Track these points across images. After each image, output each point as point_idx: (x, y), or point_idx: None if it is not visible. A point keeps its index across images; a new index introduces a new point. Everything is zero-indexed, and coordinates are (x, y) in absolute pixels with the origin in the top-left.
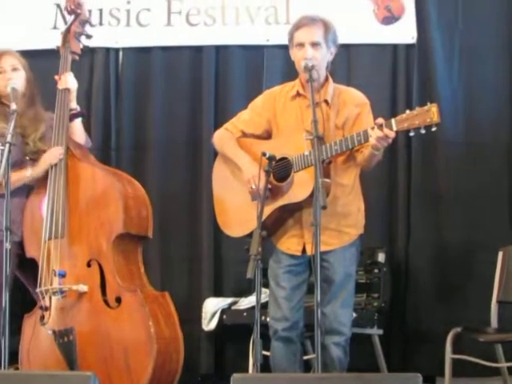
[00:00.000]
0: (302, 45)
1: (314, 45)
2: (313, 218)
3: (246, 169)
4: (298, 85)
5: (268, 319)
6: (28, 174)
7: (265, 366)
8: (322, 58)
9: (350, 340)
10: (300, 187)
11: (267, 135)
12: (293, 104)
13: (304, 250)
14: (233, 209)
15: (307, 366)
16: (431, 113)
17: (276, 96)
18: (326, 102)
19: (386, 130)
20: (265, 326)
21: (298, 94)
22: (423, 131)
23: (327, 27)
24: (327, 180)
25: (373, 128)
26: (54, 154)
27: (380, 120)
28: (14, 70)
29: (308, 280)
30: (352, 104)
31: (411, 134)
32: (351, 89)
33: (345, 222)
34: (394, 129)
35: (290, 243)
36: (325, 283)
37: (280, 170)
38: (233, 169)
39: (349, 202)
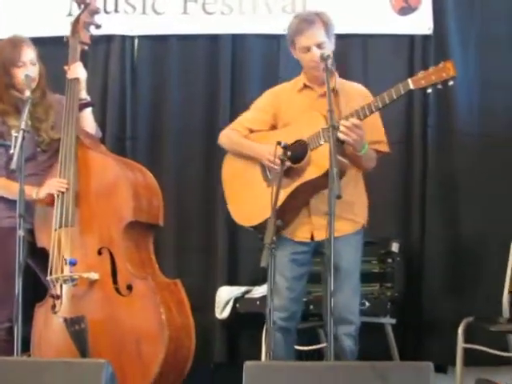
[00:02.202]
0: (307, 48)
1: (320, 45)
2: (327, 206)
3: (264, 151)
4: (304, 79)
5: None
6: (34, 196)
7: None
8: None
9: (359, 329)
10: (315, 166)
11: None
12: (299, 96)
13: (312, 237)
14: (250, 201)
15: (320, 356)
16: (447, 68)
17: (278, 93)
18: (333, 90)
19: (352, 120)
20: None
21: (305, 86)
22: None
23: (326, 23)
24: (344, 160)
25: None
26: (56, 185)
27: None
28: (33, 64)
29: (310, 270)
30: (358, 95)
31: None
32: (352, 82)
33: (351, 210)
34: (411, 87)
35: (298, 231)
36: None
37: (297, 153)
38: (244, 163)
39: (356, 193)
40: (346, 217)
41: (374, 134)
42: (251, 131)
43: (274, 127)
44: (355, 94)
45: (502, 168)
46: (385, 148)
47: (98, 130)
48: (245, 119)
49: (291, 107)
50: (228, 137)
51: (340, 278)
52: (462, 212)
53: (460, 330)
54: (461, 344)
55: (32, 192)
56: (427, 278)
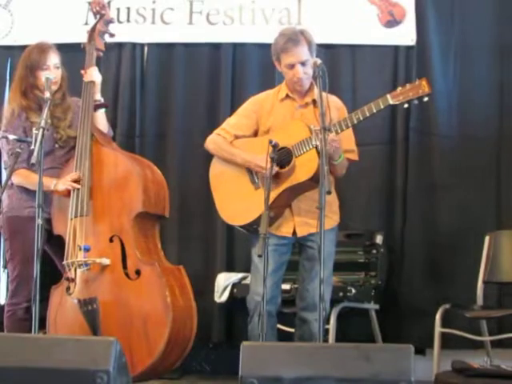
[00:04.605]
0: (292, 65)
1: (303, 63)
2: (308, 204)
3: (254, 159)
4: (286, 89)
5: (249, 295)
6: (52, 187)
7: None
8: (310, 68)
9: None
10: (301, 171)
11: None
12: (282, 105)
13: (294, 233)
14: (238, 202)
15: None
16: (422, 85)
17: (262, 100)
18: (314, 101)
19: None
20: None
21: (287, 97)
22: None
23: (309, 41)
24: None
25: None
26: (72, 184)
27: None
28: (56, 68)
29: (289, 259)
30: (334, 107)
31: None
32: (329, 94)
33: (330, 209)
34: (390, 102)
35: (282, 227)
36: (308, 261)
37: (282, 160)
38: (231, 168)
39: (333, 195)
40: (326, 214)
41: (348, 144)
42: (236, 137)
43: (256, 132)
44: (331, 106)
45: (477, 167)
46: (355, 157)
47: (109, 129)
48: (230, 125)
49: (273, 114)
50: (215, 143)
51: (316, 268)
52: (441, 208)
53: (438, 316)
54: (438, 328)
55: (50, 183)
56: (408, 268)
